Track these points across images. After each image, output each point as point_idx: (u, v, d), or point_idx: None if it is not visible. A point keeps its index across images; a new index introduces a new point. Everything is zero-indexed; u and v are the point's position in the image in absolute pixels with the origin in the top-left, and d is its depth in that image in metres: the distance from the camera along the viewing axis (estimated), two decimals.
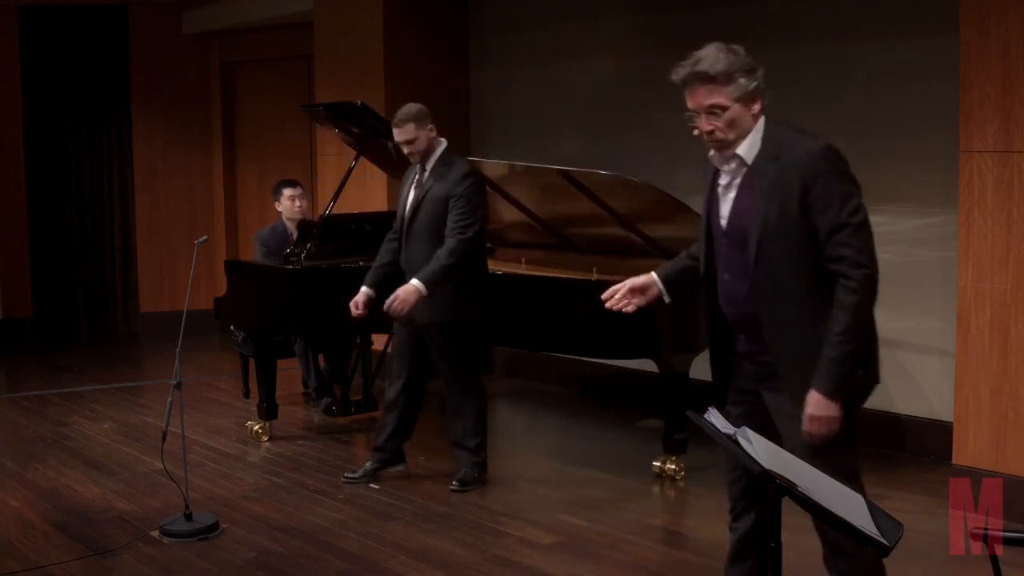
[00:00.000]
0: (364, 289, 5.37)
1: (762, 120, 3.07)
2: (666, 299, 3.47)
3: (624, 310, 3.42)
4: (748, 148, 3.06)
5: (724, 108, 3.02)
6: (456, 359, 5.27)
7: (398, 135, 5.19)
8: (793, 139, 3.04)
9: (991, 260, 4.81)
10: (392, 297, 5.09)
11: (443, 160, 5.26)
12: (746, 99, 3.02)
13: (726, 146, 3.08)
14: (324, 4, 8.29)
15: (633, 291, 3.44)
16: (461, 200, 5.14)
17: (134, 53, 10.07)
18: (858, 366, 3.03)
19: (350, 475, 5.56)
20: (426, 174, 5.25)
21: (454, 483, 5.33)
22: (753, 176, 3.06)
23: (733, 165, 3.11)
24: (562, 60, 7.64)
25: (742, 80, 3.01)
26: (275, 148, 10.04)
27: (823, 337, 2.99)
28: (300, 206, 6.92)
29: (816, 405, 2.98)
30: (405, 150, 5.22)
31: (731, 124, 3.04)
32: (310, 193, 8.16)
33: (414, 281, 5.07)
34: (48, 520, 5.07)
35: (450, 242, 5.11)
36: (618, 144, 7.21)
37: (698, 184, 7.25)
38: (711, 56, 3.01)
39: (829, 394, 2.99)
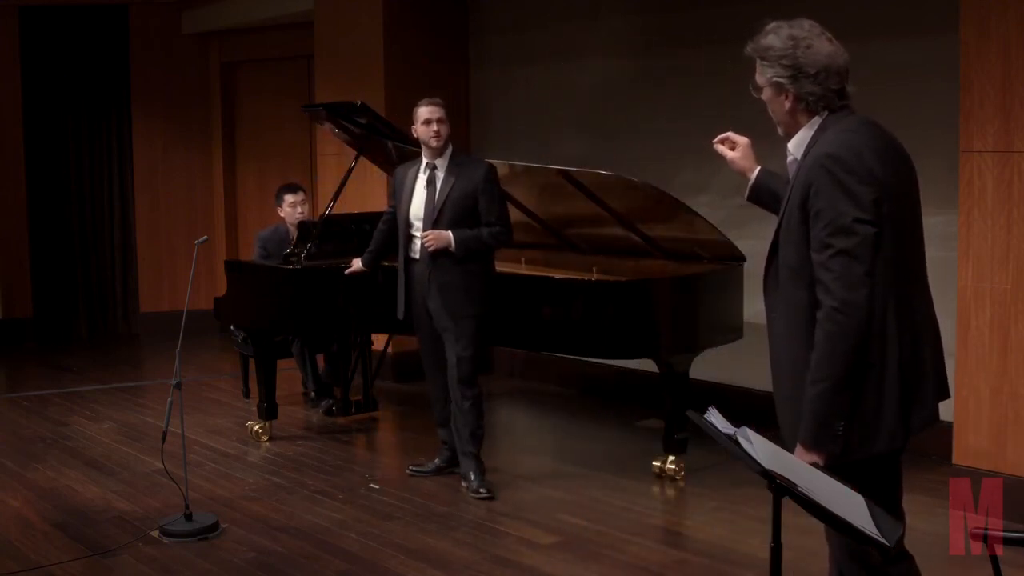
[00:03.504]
0: (358, 263, 5.83)
1: (821, 118, 2.81)
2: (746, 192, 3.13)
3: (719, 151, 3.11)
4: (796, 144, 2.85)
5: (759, 88, 2.86)
6: (470, 358, 5.28)
7: (432, 112, 5.24)
8: (823, 138, 2.77)
9: (991, 260, 4.81)
10: (427, 232, 5.22)
11: (457, 159, 5.33)
12: (775, 88, 2.82)
13: (784, 129, 2.88)
14: (324, 4, 8.29)
15: (735, 145, 3.11)
16: (496, 194, 5.29)
17: (134, 53, 10.07)
18: (836, 417, 2.67)
19: (416, 467, 5.70)
20: (439, 171, 5.27)
21: (482, 491, 5.28)
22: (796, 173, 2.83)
23: (788, 159, 2.89)
24: (562, 60, 7.64)
25: (769, 69, 2.81)
26: (275, 148, 10.04)
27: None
28: (301, 212, 6.91)
29: (798, 455, 2.70)
30: (433, 128, 5.22)
31: (770, 106, 2.87)
32: (311, 196, 8.17)
33: (451, 233, 5.18)
34: (48, 520, 5.07)
35: (501, 232, 5.27)
36: (618, 144, 7.21)
37: (698, 184, 7.28)
38: (767, 30, 2.83)
39: (804, 444, 2.71)
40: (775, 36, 2.81)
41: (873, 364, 2.70)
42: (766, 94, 2.85)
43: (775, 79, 2.80)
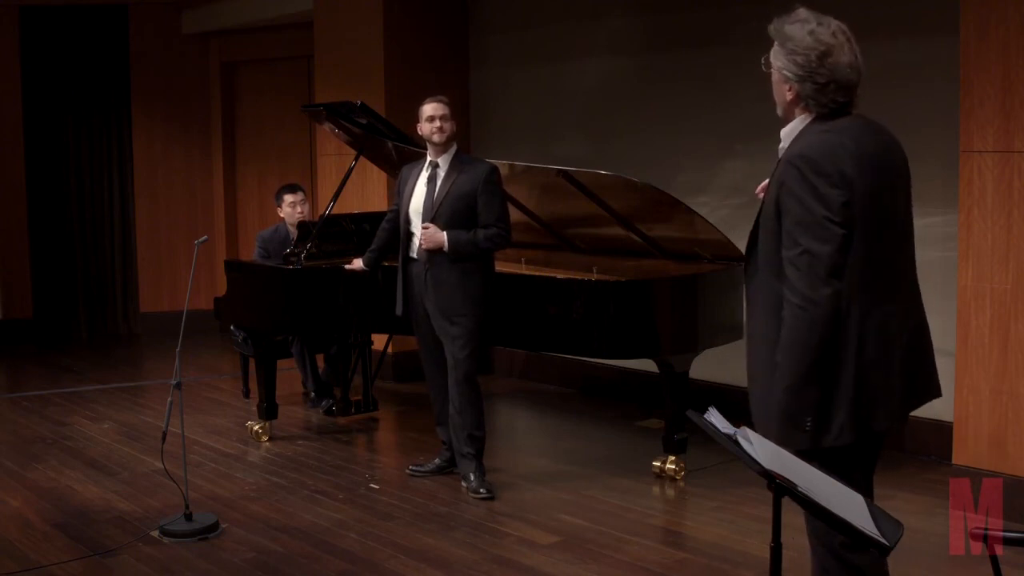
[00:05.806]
0: (360, 262, 5.81)
1: (812, 116, 2.80)
2: None
3: None
4: (787, 133, 2.86)
5: (770, 66, 2.85)
6: (468, 358, 5.28)
7: (436, 109, 5.27)
8: (803, 137, 2.79)
9: (991, 260, 4.81)
10: (424, 229, 5.21)
11: (460, 157, 5.36)
12: (783, 77, 2.80)
13: (782, 112, 2.87)
14: (324, 4, 8.29)
15: None
16: (496, 195, 5.27)
17: (134, 53, 10.08)
18: (805, 412, 2.70)
19: (416, 467, 5.70)
20: (440, 169, 5.29)
21: (482, 491, 5.28)
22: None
23: (780, 146, 2.88)
24: (562, 60, 7.64)
25: (783, 58, 2.78)
26: (275, 148, 10.05)
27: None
28: (301, 211, 6.92)
29: None
30: (437, 124, 5.25)
31: (774, 87, 2.86)
32: (311, 196, 8.17)
33: (446, 234, 5.18)
34: (48, 520, 5.07)
35: (497, 234, 5.24)
36: (618, 144, 7.22)
37: (698, 184, 7.25)
38: (796, 17, 2.79)
39: (777, 439, 2.65)
40: (800, 29, 2.77)
41: (836, 361, 2.74)
42: (773, 75, 2.85)
43: (784, 71, 2.80)
